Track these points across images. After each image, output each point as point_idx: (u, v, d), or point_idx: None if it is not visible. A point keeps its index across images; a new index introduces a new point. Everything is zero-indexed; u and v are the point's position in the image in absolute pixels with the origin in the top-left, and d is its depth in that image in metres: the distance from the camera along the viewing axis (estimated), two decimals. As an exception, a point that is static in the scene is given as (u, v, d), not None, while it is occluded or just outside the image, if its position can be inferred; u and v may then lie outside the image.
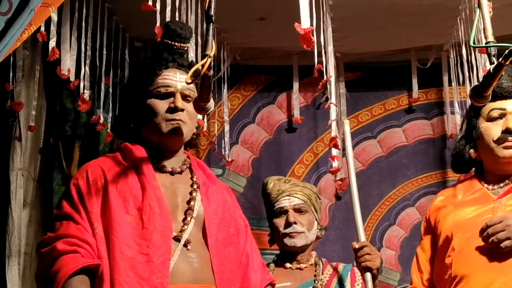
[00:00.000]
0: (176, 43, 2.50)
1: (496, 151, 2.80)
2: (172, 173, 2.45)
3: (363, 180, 5.10)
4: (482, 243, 2.65)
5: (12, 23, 2.37)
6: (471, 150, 2.90)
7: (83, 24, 3.98)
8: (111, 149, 4.64)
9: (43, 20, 2.84)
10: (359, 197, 3.26)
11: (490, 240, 2.58)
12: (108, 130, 4.46)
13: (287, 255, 3.36)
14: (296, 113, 5.19)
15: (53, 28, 3.63)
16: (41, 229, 4.45)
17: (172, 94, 2.44)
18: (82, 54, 4.01)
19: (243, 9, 4.37)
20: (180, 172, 2.47)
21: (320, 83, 3.71)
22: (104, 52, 4.24)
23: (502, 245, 2.56)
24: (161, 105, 2.44)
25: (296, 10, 3.14)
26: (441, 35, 4.77)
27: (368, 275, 3.11)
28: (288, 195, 3.36)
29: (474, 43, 2.85)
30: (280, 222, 3.33)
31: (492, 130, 2.81)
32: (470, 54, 4.33)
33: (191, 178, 2.48)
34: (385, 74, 5.25)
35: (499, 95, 2.83)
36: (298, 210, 3.34)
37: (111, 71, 4.44)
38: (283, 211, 3.35)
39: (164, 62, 2.48)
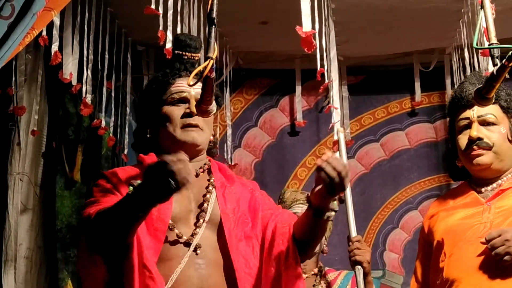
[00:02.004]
0: (187, 53, 2.52)
1: (467, 160, 2.81)
2: None
3: (366, 183, 5.11)
4: (471, 247, 2.66)
5: (15, 27, 2.37)
6: (457, 160, 2.91)
7: (85, 28, 3.98)
8: (114, 153, 4.65)
9: (46, 24, 2.84)
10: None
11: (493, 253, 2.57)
12: (111, 134, 4.46)
13: None
14: (299, 116, 5.19)
15: (55, 32, 3.63)
16: (42, 233, 4.45)
17: (186, 101, 2.45)
18: (84, 58, 4.01)
19: (246, 13, 4.38)
20: (196, 175, 2.45)
21: (321, 87, 3.71)
22: (106, 56, 4.23)
23: (502, 260, 2.55)
24: (176, 111, 2.44)
25: (298, 14, 3.14)
26: (444, 38, 4.77)
27: (358, 269, 3.12)
28: (301, 203, 3.37)
29: (477, 45, 2.86)
30: None
31: (461, 141, 2.82)
32: (473, 57, 4.32)
33: (208, 180, 2.47)
34: (388, 77, 5.25)
35: (464, 104, 2.83)
36: None
37: (113, 75, 4.44)
38: None
39: (177, 72, 2.51)
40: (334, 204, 2.31)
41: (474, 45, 2.30)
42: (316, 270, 3.38)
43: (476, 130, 2.77)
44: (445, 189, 4.96)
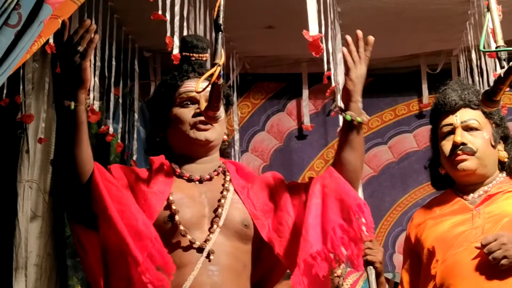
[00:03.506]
0: (194, 54, 2.51)
1: (451, 166, 2.80)
2: (200, 181, 2.43)
3: (375, 186, 5.10)
4: (464, 252, 2.65)
5: (22, 36, 2.38)
6: (440, 167, 2.90)
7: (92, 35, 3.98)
8: (122, 159, 4.65)
9: (53, 32, 2.84)
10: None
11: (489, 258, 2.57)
12: (119, 141, 4.46)
13: None
14: (306, 120, 5.19)
15: (62, 40, 3.63)
16: (52, 240, 4.46)
17: (196, 101, 2.44)
18: (92, 65, 4.01)
19: (252, 18, 4.38)
20: (210, 179, 2.44)
21: (328, 90, 3.71)
22: (114, 62, 4.24)
23: (500, 264, 2.54)
24: (187, 112, 2.43)
25: (304, 18, 3.14)
26: (450, 40, 4.77)
27: (370, 270, 3.11)
28: None
29: (484, 48, 2.86)
30: None
31: (445, 147, 2.81)
32: (480, 59, 4.31)
33: (223, 184, 2.45)
34: (395, 80, 5.25)
35: (446, 111, 2.83)
36: None
37: (121, 81, 4.45)
38: None
39: (185, 74, 2.49)
40: (363, 116, 2.38)
41: (481, 47, 2.29)
42: (339, 272, 3.37)
43: (460, 136, 2.77)
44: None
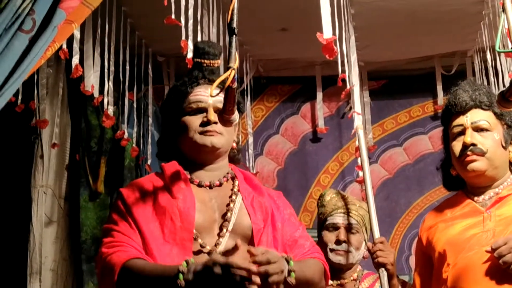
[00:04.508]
0: (206, 61, 2.52)
1: (461, 167, 2.78)
2: (210, 187, 2.44)
3: (390, 188, 5.09)
4: (475, 256, 2.63)
5: (36, 41, 2.38)
6: (451, 168, 2.89)
7: (106, 40, 4.00)
8: (137, 164, 4.66)
9: (67, 37, 2.85)
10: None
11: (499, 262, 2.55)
12: (134, 145, 4.47)
13: (330, 271, 3.34)
14: (321, 123, 5.18)
15: (75, 45, 3.65)
16: (67, 245, 4.47)
17: (204, 110, 2.45)
18: (106, 70, 4.02)
19: (265, 21, 4.37)
20: (220, 185, 2.45)
21: (343, 92, 3.70)
22: (127, 67, 4.25)
23: (511, 268, 2.52)
24: (195, 121, 2.45)
25: (318, 20, 3.13)
26: (465, 41, 4.74)
27: (382, 272, 3.09)
28: (343, 213, 3.36)
29: (499, 48, 2.84)
30: (330, 237, 3.32)
31: (455, 147, 2.80)
32: (495, 59, 4.28)
33: (231, 189, 2.46)
34: (409, 81, 5.23)
35: (457, 111, 2.82)
36: (350, 230, 3.34)
37: (135, 86, 4.46)
38: (335, 227, 3.34)
39: (195, 80, 2.51)
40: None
41: (497, 48, 2.28)
42: (355, 275, 3.36)
43: (470, 136, 2.76)
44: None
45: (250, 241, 2.38)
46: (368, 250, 3.21)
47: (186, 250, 2.29)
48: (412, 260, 4.90)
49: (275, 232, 2.47)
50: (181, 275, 2.11)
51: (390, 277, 3.14)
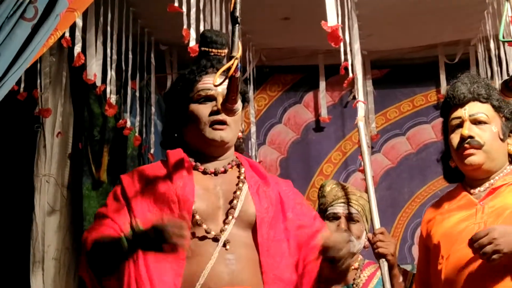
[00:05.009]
0: (213, 50, 2.52)
1: (459, 160, 2.79)
2: (215, 173, 2.44)
3: (393, 177, 5.09)
4: (466, 248, 2.63)
5: (38, 29, 2.37)
6: (450, 160, 2.89)
7: (108, 28, 3.99)
8: (139, 153, 4.66)
9: (69, 25, 2.84)
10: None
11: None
12: (136, 134, 4.46)
13: None
14: (324, 112, 5.17)
15: (78, 34, 3.64)
16: (70, 234, 4.47)
17: (213, 98, 2.44)
18: (108, 59, 4.02)
19: (268, 10, 4.36)
20: (225, 172, 2.45)
21: (346, 81, 3.69)
22: (130, 56, 4.24)
23: (490, 259, 2.52)
24: (204, 109, 2.44)
25: (321, 9, 3.12)
26: (468, 30, 4.73)
27: (383, 262, 3.10)
28: (343, 202, 3.36)
29: (503, 37, 2.83)
30: (331, 226, 3.32)
31: (453, 140, 2.81)
32: (499, 48, 4.27)
33: (238, 177, 2.46)
34: (413, 70, 5.23)
35: (455, 104, 2.82)
36: (351, 219, 3.34)
37: (137, 74, 4.45)
38: (336, 217, 3.35)
39: (204, 69, 2.50)
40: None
41: (500, 37, 2.27)
42: (356, 264, 3.37)
43: (468, 129, 2.76)
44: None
45: (254, 229, 2.38)
46: (369, 240, 3.21)
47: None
48: (415, 250, 4.92)
49: (286, 222, 2.46)
50: (123, 238, 2.20)
51: (390, 268, 3.14)
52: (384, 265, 3.11)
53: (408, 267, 4.70)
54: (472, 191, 2.80)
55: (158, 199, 2.34)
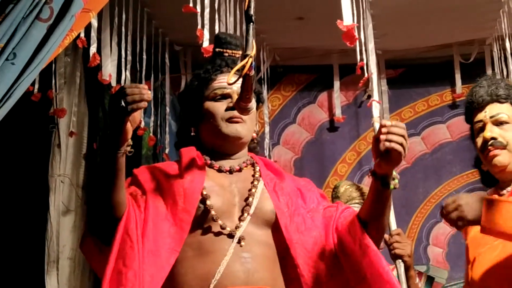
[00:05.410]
0: (228, 50, 2.52)
1: (487, 162, 2.79)
2: (230, 171, 2.44)
3: (408, 177, 5.07)
4: (489, 250, 2.63)
5: (54, 30, 2.38)
6: (482, 164, 2.89)
7: (123, 29, 4.00)
8: (154, 153, 4.66)
9: (84, 26, 2.85)
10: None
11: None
12: (151, 134, 4.47)
13: None
14: (338, 112, 5.16)
15: (93, 34, 3.66)
16: (85, 234, 4.48)
17: (229, 96, 2.45)
18: (123, 59, 4.03)
19: (282, 9, 4.36)
20: (240, 170, 2.45)
21: (361, 81, 3.68)
22: (144, 56, 4.25)
23: (456, 225, 2.51)
24: (219, 106, 2.45)
25: (335, 8, 3.12)
26: (484, 29, 4.71)
27: (399, 263, 3.08)
28: (358, 203, 3.35)
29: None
30: None
31: (478, 143, 2.81)
32: (514, 47, 4.26)
33: (253, 175, 2.46)
34: (428, 70, 5.21)
35: (475, 107, 2.82)
36: None
37: (152, 75, 4.46)
38: None
39: (219, 68, 2.51)
40: (396, 181, 2.30)
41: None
42: None
43: (490, 131, 2.75)
44: (488, 181, 4.91)
45: (274, 225, 2.37)
46: (385, 241, 3.19)
47: (183, 231, 2.28)
48: (431, 250, 4.92)
49: (310, 212, 2.46)
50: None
51: (407, 269, 3.13)
52: (401, 266, 3.10)
53: (423, 268, 4.69)
54: (501, 192, 2.80)
55: (166, 192, 2.34)
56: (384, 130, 2.20)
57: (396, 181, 2.29)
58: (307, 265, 2.34)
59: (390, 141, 2.18)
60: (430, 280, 4.20)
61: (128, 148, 2.22)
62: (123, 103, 2.08)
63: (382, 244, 3.32)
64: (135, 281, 2.15)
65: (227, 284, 2.24)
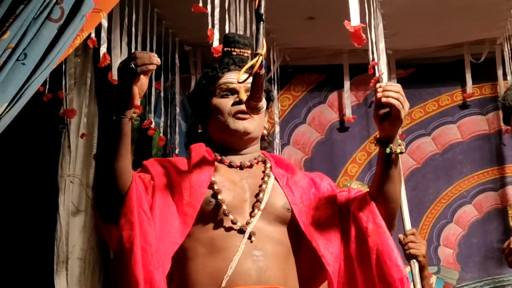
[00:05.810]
0: (236, 49, 2.53)
1: None
2: (241, 167, 2.44)
3: (418, 178, 5.05)
4: None
5: (64, 30, 2.38)
6: None
7: (133, 29, 4.01)
8: (164, 153, 4.66)
9: (95, 26, 2.85)
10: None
11: None
12: (161, 134, 4.47)
13: None
14: (348, 112, 5.15)
15: (103, 34, 3.66)
16: (95, 234, 4.49)
17: (235, 91, 2.45)
18: (133, 60, 4.02)
19: (292, 9, 4.36)
20: (250, 166, 2.45)
21: (372, 80, 3.67)
22: (154, 56, 4.25)
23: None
24: (227, 102, 2.45)
25: (345, 8, 3.11)
26: (494, 28, 4.70)
27: (414, 263, 3.07)
28: None
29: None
30: None
31: None
32: (525, 47, 4.25)
33: (263, 171, 2.45)
34: (438, 70, 5.19)
35: (508, 111, 2.83)
36: None
37: (162, 75, 4.46)
38: None
39: (226, 66, 2.51)
40: (402, 146, 2.30)
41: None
42: None
43: None
44: (499, 182, 4.89)
45: (291, 220, 2.37)
46: (400, 241, 3.18)
47: (186, 225, 2.27)
48: (441, 251, 4.89)
49: (325, 199, 2.44)
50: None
51: (421, 269, 3.12)
52: (415, 266, 3.09)
53: (433, 269, 4.68)
54: None
55: (174, 185, 2.33)
56: (380, 89, 2.25)
57: (402, 146, 2.29)
58: (330, 254, 2.33)
59: (387, 97, 2.23)
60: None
61: (135, 115, 2.19)
62: (132, 65, 2.07)
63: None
64: (159, 260, 2.13)
65: (239, 283, 2.23)
